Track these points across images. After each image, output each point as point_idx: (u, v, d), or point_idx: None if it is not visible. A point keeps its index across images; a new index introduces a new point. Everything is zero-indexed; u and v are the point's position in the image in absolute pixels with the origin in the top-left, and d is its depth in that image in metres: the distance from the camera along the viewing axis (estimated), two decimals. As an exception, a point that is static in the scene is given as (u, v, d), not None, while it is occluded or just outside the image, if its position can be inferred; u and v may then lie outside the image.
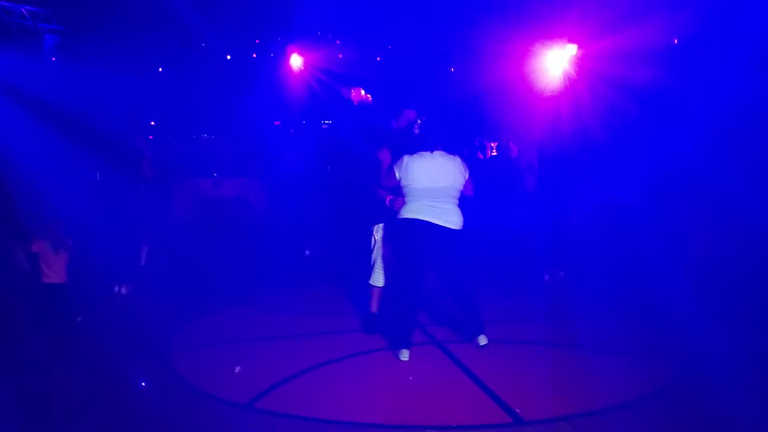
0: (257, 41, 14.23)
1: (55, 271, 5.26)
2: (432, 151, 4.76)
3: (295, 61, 12.96)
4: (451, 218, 4.71)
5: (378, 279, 5.21)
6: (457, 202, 4.77)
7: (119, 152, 6.81)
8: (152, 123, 14.35)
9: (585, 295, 6.32)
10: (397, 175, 4.77)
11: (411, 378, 4.30)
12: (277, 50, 13.65)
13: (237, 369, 4.46)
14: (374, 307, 5.28)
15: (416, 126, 4.85)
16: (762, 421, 3.55)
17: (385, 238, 5.17)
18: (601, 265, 6.89)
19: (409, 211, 4.73)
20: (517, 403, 3.83)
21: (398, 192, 4.83)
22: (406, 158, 4.75)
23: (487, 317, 4.99)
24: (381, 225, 5.22)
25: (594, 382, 4.23)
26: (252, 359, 4.68)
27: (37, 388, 4.20)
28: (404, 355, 4.62)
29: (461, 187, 4.78)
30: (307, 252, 8.85)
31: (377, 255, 5.21)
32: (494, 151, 11.89)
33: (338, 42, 13.89)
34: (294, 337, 5.27)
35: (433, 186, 4.68)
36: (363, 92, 12.37)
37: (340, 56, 13.48)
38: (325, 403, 3.94)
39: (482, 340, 4.72)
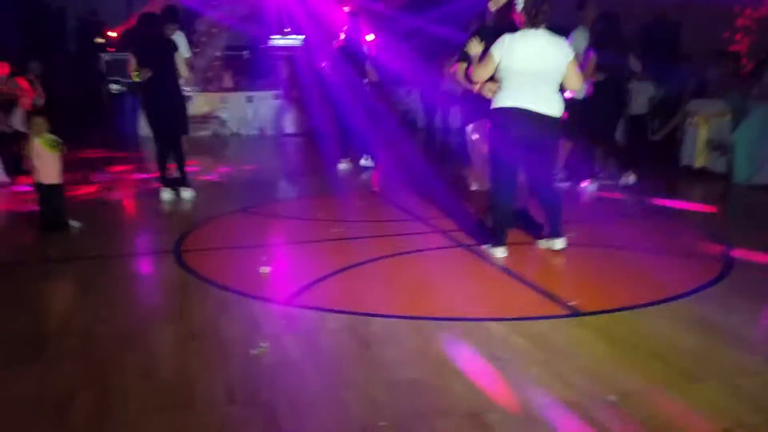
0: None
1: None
2: (537, 29, 4.25)
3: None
4: (551, 103, 4.30)
5: (480, 182, 4.84)
6: (557, 87, 4.35)
7: None
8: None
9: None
10: (496, 57, 4.24)
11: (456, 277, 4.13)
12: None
13: (263, 271, 4.20)
14: (481, 210, 4.94)
15: (516, 3, 4.28)
16: None
17: (480, 135, 4.75)
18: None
19: (508, 99, 4.28)
20: (570, 297, 3.70)
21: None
22: (507, 38, 4.24)
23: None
24: (474, 124, 4.81)
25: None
26: (274, 263, 4.42)
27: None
28: (502, 251, 4.43)
29: (564, 72, 4.29)
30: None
31: (475, 156, 4.83)
32: None
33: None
34: (311, 242, 4.99)
35: (536, 69, 4.22)
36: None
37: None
38: (376, 299, 3.74)
39: (559, 244, 4.51)
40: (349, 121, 7.75)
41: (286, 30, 12.92)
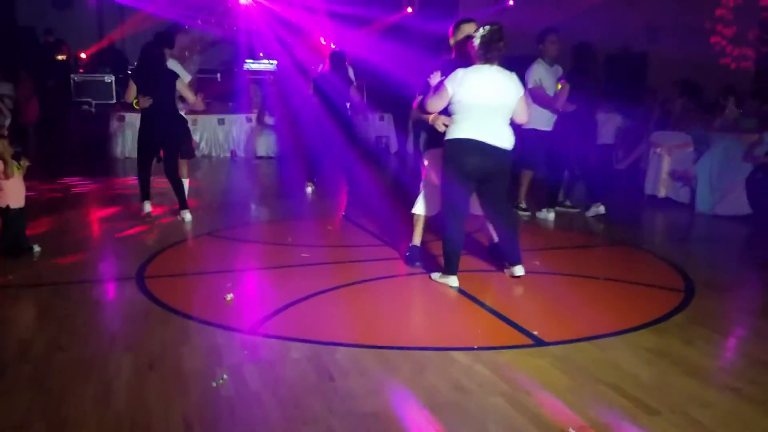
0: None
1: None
2: (491, 65, 4.38)
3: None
4: (503, 136, 4.39)
5: (420, 208, 4.90)
6: (508, 120, 4.45)
7: None
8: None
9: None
10: (450, 91, 4.34)
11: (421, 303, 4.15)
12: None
13: (228, 298, 4.16)
14: (417, 237, 4.99)
15: (473, 38, 4.38)
16: None
17: (432, 163, 4.78)
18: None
19: (461, 131, 4.36)
20: (533, 326, 3.73)
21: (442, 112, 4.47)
22: (461, 72, 4.33)
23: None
24: (429, 151, 4.84)
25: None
26: (239, 289, 4.39)
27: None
28: (455, 280, 4.45)
29: (514, 106, 4.42)
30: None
31: (424, 182, 4.88)
32: None
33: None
34: (277, 267, 4.97)
35: (488, 103, 4.31)
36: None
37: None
38: (341, 327, 3.74)
39: (519, 270, 4.57)
40: (320, 145, 7.76)
41: (260, 54, 13.01)
